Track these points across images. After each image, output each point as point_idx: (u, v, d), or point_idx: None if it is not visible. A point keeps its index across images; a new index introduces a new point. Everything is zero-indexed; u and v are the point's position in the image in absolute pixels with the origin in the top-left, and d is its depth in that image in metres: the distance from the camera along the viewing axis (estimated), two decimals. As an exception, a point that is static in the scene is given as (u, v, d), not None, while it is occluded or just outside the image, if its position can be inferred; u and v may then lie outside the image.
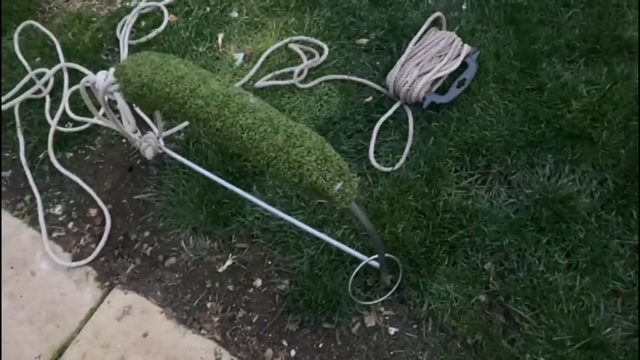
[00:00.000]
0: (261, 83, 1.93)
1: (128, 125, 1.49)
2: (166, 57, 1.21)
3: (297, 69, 1.92)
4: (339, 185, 1.11)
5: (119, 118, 1.71)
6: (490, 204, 1.65)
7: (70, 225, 1.78)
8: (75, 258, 1.71)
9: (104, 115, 1.59)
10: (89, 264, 1.69)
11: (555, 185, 1.64)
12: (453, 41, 1.85)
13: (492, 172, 1.69)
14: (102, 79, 1.35)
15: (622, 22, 1.90)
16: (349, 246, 1.56)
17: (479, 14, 1.99)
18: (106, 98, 1.40)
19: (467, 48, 1.86)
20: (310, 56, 1.97)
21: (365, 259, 1.47)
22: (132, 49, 2.07)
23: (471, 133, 1.75)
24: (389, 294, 1.53)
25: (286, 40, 2.02)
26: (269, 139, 1.08)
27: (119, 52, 2.07)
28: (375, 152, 1.77)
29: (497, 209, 1.62)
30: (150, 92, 1.17)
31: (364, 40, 2.01)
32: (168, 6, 2.14)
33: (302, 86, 1.92)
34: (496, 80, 1.84)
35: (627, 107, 1.72)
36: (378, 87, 1.89)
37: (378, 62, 1.95)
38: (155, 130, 1.80)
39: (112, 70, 1.31)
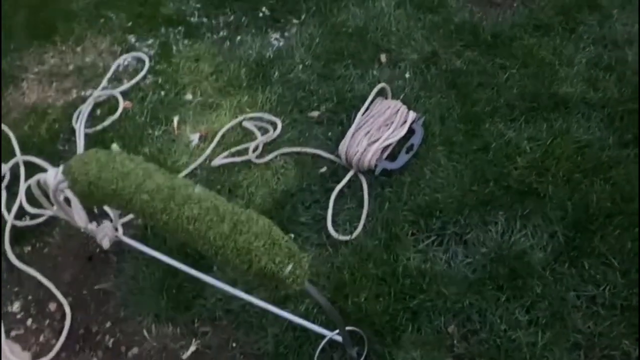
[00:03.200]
0: (217, 161, 1.97)
1: (80, 220, 1.50)
2: (112, 154, 1.23)
3: (252, 145, 1.97)
4: (289, 268, 1.12)
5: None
6: (449, 265, 1.67)
7: (29, 322, 1.74)
8: (35, 356, 1.66)
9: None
10: (49, 362, 1.65)
11: (508, 241, 1.68)
12: (398, 109, 1.93)
13: (447, 233, 1.73)
14: (53, 177, 1.36)
15: (556, 79, 2.01)
16: (313, 320, 1.56)
17: (421, 82, 2.08)
18: (59, 196, 1.41)
19: (412, 114, 1.94)
20: (265, 132, 2.03)
21: (328, 334, 1.47)
22: (89, 138, 2.10)
23: (424, 196, 1.80)
24: (355, 367, 1.52)
25: (240, 118, 2.07)
26: (216, 228, 1.10)
27: (75, 142, 2.09)
28: (333, 221, 1.79)
29: (456, 270, 1.65)
30: (97, 189, 1.19)
31: (316, 113, 2.07)
32: (123, 93, 2.19)
33: (258, 161, 1.96)
34: (443, 143, 1.91)
35: (569, 160, 1.80)
36: (332, 157, 1.94)
37: (330, 133, 2.01)
38: (112, 217, 1.80)
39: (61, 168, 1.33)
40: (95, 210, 1.86)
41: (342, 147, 1.89)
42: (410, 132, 1.92)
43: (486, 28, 2.19)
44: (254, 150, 1.97)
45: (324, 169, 1.93)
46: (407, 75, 2.11)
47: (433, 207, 1.76)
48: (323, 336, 1.49)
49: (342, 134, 1.97)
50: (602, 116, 1.89)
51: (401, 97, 2.05)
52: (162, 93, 2.19)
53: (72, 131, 2.13)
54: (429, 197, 1.79)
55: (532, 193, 1.76)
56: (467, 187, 1.80)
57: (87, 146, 2.06)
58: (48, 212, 1.90)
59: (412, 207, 1.78)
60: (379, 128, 1.90)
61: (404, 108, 1.94)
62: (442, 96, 2.03)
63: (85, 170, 1.22)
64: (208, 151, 2.00)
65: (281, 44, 2.30)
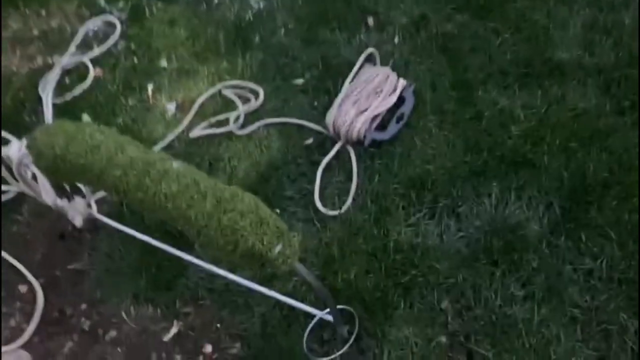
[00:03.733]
0: (196, 132, 1.86)
1: (48, 197, 1.38)
2: (81, 125, 1.12)
3: (233, 115, 1.86)
4: (278, 247, 1.03)
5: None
6: (441, 239, 1.61)
7: (-2, 305, 1.64)
8: (6, 342, 1.57)
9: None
10: (21, 346, 1.55)
11: (503, 214, 1.61)
12: (388, 76, 1.83)
13: (440, 206, 1.66)
14: (16, 151, 1.25)
15: (550, 44, 1.93)
16: (301, 300, 1.48)
17: (411, 47, 1.98)
18: (24, 171, 1.30)
19: (402, 82, 1.84)
20: (246, 101, 1.91)
21: (318, 313, 1.40)
22: (57, 108, 1.96)
23: (415, 168, 1.72)
24: (346, 346, 1.46)
25: (219, 86, 1.95)
26: (197, 207, 1.00)
27: (42, 113, 1.95)
28: (320, 195, 1.71)
29: (448, 245, 1.58)
30: (64, 164, 1.08)
31: (300, 81, 1.96)
32: (93, 60, 2.05)
33: (239, 132, 1.85)
34: (434, 112, 1.83)
35: (565, 128, 1.73)
36: (318, 128, 1.85)
37: (316, 103, 1.91)
38: (85, 193, 1.69)
39: (24, 141, 1.21)
40: (67, 186, 1.74)
41: (329, 117, 1.79)
42: (401, 100, 1.82)
43: (478, -11, 2.08)
44: (235, 121, 1.86)
45: (310, 141, 1.83)
46: (395, 40, 2.01)
47: (424, 179, 1.69)
48: (312, 315, 1.42)
49: (329, 103, 1.86)
50: (599, 82, 1.82)
51: (390, 63, 1.94)
52: (135, 59, 2.05)
53: (39, 100, 1.99)
54: (420, 169, 1.71)
55: (527, 163, 1.69)
56: (459, 157, 1.72)
57: (56, 117, 1.92)
58: (14, 189, 1.78)
59: (403, 180, 1.70)
60: (368, 97, 1.80)
61: (393, 75, 1.84)
62: (433, 62, 1.93)
63: (50, 143, 1.10)
64: (186, 122, 1.88)
65: (261, 5, 2.17)
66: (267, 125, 1.87)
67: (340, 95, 1.81)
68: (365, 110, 1.78)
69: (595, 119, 1.74)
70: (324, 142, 1.82)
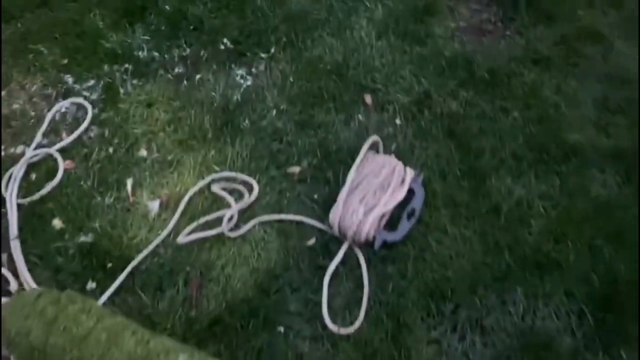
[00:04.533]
0: (184, 238, 1.65)
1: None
2: (62, 301, 0.92)
3: (226, 215, 1.66)
4: None
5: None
6: (467, 357, 1.45)
7: None
8: None
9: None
10: None
11: (531, 325, 1.48)
12: (395, 167, 1.68)
13: (462, 317, 1.51)
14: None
15: (563, 123, 1.82)
16: None
17: (415, 128, 1.84)
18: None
19: (410, 172, 1.69)
20: (239, 196, 1.73)
21: None
22: (23, 210, 1.72)
23: (431, 272, 1.57)
24: None
25: (208, 179, 1.76)
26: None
27: (7, 216, 1.72)
28: (329, 307, 1.53)
29: (476, 365, 1.43)
30: (46, 358, 0.88)
31: (297, 169, 1.79)
32: (62, 151, 1.83)
33: (232, 235, 1.66)
34: (446, 205, 1.68)
35: (588, 222, 1.61)
36: (320, 226, 1.67)
37: (316, 195, 1.73)
38: None
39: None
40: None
41: (334, 216, 1.62)
42: (410, 192, 1.67)
43: (481, 63, 1.96)
44: (229, 221, 1.67)
45: (312, 241, 1.65)
46: (397, 122, 1.86)
47: (443, 287, 1.53)
48: None
49: (329, 195, 1.70)
50: (618, 168, 1.71)
51: (393, 147, 1.79)
52: (110, 149, 1.83)
53: (2, 201, 1.75)
54: (437, 274, 1.56)
55: (551, 263, 1.56)
56: (479, 258, 1.58)
57: (22, 220, 1.69)
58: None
59: (420, 287, 1.54)
60: (375, 192, 1.64)
61: (400, 165, 1.69)
62: (440, 146, 1.79)
63: (25, 329, 0.90)
64: (172, 223, 1.68)
65: (249, 83, 1.99)
66: (262, 224, 1.69)
67: (344, 190, 1.64)
68: (374, 208, 1.62)
69: (620, 211, 1.63)
70: (328, 242, 1.65)
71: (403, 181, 1.67)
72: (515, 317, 1.49)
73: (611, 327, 1.45)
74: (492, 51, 2.00)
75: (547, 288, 1.52)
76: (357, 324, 1.51)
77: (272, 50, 2.05)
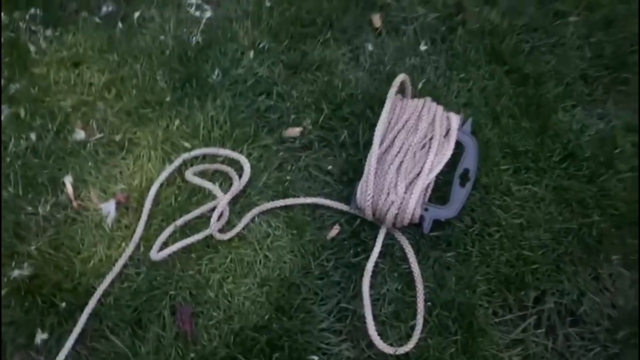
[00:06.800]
0: (158, 252, 1.19)
1: None
2: None
3: (215, 214, 1.20)
4: None
5: None
6: (561, 357, 1.10)
7: None
8: None
9: None
10: None
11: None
12: (434, 114, 1.23)
13: (547, 305, 1.13)
14: None
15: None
16: None
17: (448, 55, 1.36)
18: None
19: (455, 119, 1.24)
20: (225, 181, 1.26)
21: None
22: None
23: (501, 252, 1.17)
24: None
25: (177, 162, 1.27)
26: None
27: None
28: (373, 319, 1.13)
29: (578, 369, 1.08)
30: None
31: (297, 131, 1.32)
32: (-37, 147, 1.30)
33: (225, 236, 1.21)
34: (506, 156, 1.26)
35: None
36: (343, 207, 1.24)
37: (330, 166, 1.28)
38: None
39: None
40: None
41: (363, 193, 1.18)
42: (457, 147, 1.23)
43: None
44: (218, 218, 1.21)
45: (335, 231, 1.22)
46: (422, 48, 1.38)
47: (520, 271, 1.15)
48: None
49: (349, 163, 1.26)
50: None
51: (420, 86, 1.33)
52: (33, 136, 1.31)
53: None
54: (508, 254, 1.17)
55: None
56: (558, 224, 1.19)
57: None
58: None
59: (489, 275, 1.15)
60: (414, 154, 1.20)
61: (440, 111, 1.24)
62: (487, 74, 1.33)
63: None
64: (138, 231, 1.21)
65: (209, 14, 1.45)
66: (263, 214, 1.24)
67: (372, 155, 1.18)
68: (416, 177, 1.18)
69: None
70: (357, 231, 1.22)
71: (447, 133, 1.23)
72: (616, 297, 1.13)
73: None
74: None
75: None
76: (415, 337, 1.12)
77: (234, -36, 1.49)
